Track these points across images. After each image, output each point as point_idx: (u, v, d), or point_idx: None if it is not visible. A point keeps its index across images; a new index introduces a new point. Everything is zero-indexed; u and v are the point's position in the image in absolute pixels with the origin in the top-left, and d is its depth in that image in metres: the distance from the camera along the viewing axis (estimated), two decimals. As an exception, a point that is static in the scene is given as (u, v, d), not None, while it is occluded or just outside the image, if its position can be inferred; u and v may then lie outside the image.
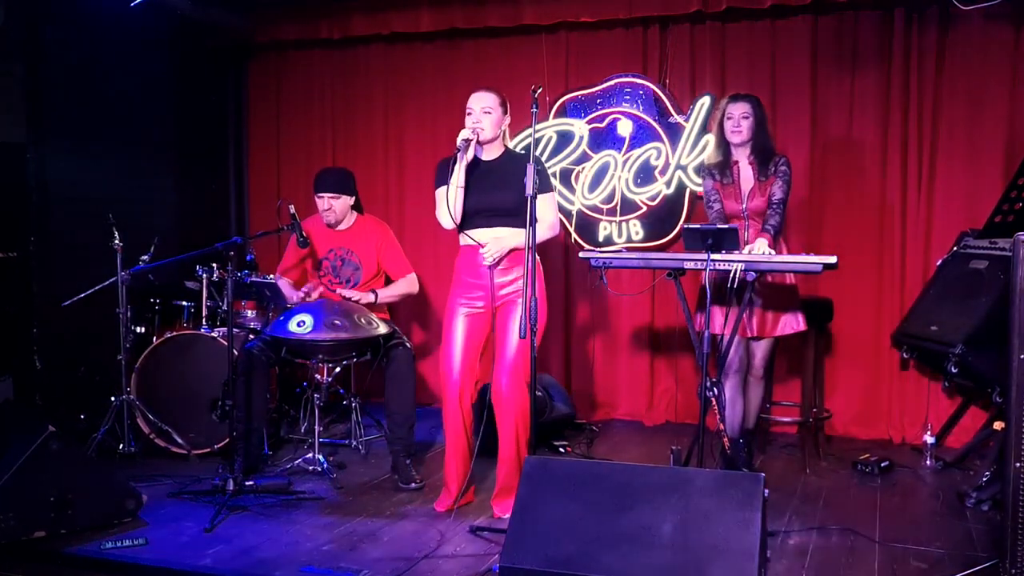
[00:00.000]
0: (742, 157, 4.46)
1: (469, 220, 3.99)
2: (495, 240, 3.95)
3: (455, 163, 3.91)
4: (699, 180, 5.42)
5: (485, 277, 3.98)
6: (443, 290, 5.82)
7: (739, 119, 4.39)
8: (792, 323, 4.42)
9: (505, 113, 4.02)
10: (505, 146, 4.09)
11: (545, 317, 3.99)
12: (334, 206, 4.91)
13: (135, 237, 4.88)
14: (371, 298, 4.84)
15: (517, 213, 3.90)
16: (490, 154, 4.06)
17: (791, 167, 4.43)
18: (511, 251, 3.97)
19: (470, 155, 3.96)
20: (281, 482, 4.35)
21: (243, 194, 6.82)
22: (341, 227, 5.00)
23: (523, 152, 4.21)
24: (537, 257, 4.01)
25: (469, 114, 3.97)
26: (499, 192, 3.94)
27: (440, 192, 4.00)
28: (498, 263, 3.97)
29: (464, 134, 3.91)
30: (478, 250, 3.97)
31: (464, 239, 4.04)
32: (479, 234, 3.97)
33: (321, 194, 4.91)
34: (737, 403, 4.45)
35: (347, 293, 4.80)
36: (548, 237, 4.06)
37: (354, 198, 5.01)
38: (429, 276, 6.06)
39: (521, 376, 3.92)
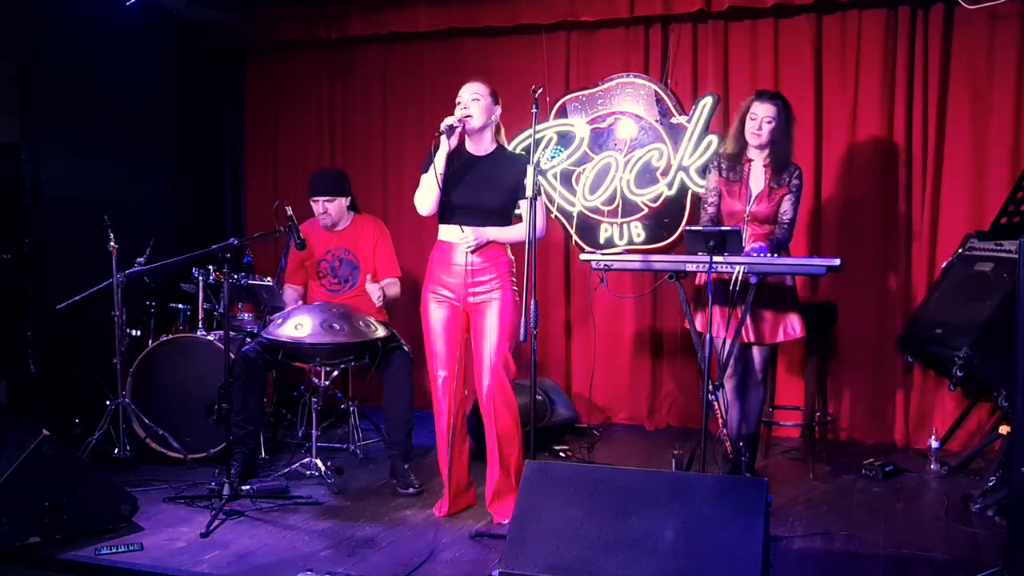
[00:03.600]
0: (758, 157, 4.34)
1: (450, 214, 3.96)
2: (475, 229, 3.91)
3: (436, 149, 3.89)
4: (701, 181, 5.37)
5: (457, 275, 3.94)
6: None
7: (762, 122, 4.24)
8: (790, 329, 4.32)
9: (495, 103, 3.98)
10: (498, 143, 4.05)
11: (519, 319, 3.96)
12: (329, 209, 4.89)
13: (130, 239, 4.84)
14: (379, 293, 4.84)
15: (500, 213, 3.89)
16: (480, 148, 4.01)
17: (803, 182, 4.33)
18: (489, 242, 3.93)
19: (453, 142, 3.92)
20: (278, 487, 4.32)
21: (240, 195, 6.79)
22: (339, 228, 4.98)
23: (517, 152, 4.20)
24: (513, 258, 3.99)
25: (458, 103, 3.94)
26: (484, 191, 3.91)
27: (425, 177, 3.97)
28: (476, 252, 3.91)
29: (447, 120, 3.88)
30: (453, 247, 3.95)
31: (442, 233, 4.01)
32: (459, 230, 3.93)
33: (316, 198, 4.90)
34: (735, 407, 4.41)
35: (375, 294, 4.82)
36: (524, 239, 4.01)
37: (349, 198, 4.98)
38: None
39: (502, 379, 3.89)
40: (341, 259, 4.96)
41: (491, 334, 3.90)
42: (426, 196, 3.95)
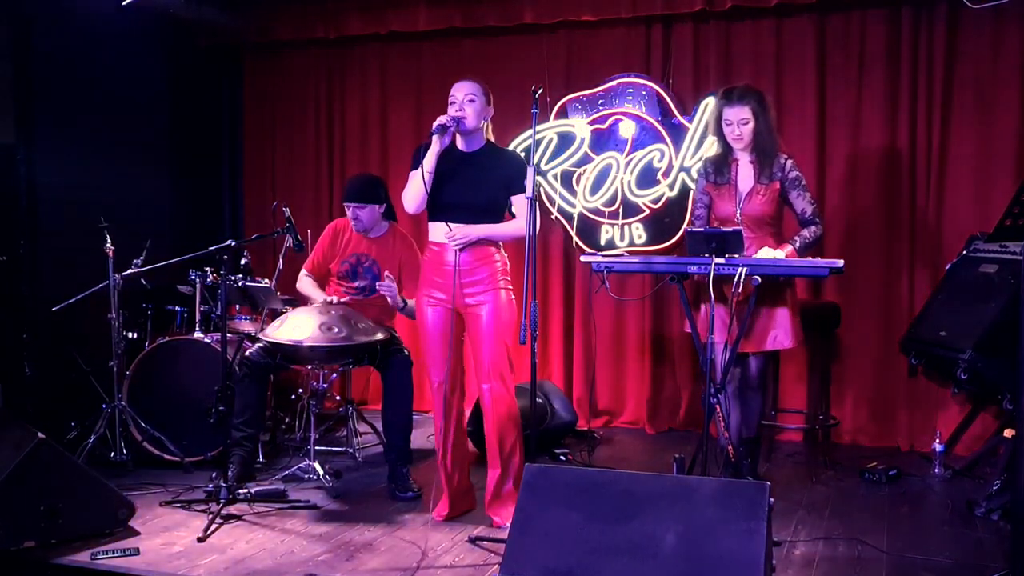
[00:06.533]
0: (743, 156, 4.27)
1: (439, 212, 3.90)
2: (462, 226, 3.85)
3: (426, 148, 3.82)
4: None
5: (448, 276, 3.89)
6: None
7: (738, 124, 4.15)
8: (782, 338, 4.19)
9: (488, 104, 3.93)
10: (487, 139, 4.00)
11: (516, 320, 3.91)
12: (360, 216, 4.77)
13: (127, 240, 4.82)
14: (401, 304, 4.63)
15: (490, 211, 3.85)
16: (470, 146, 3.96)
17: (800, 170, 4.22)
18: (478, 241, 3.87)
19: (446, 141, 3.87)
20: (276, 490, 4.28)
21: (237, 196, 6.78)
22: (372, 234, 4.89)
23: (508, 148, 4.16)
24: (506, 257, 3.95)
25: (452, 103, 3.89)
26: (473, 188, 3.86)
27: (413, 174, 3.91)
28: (466, 252, 3.86)
29: (441, 119, 3.82)
30: (443, 247, 3.89)
31: (431, 233, 3.95)
32: (445, 228, 3.88)
33: (347, 204, 4.79)
34: (735, 410, 4.36)
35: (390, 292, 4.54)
36: (517, 236, 3.94)
37: (384, 205, 4.85)
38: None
39: (503, 381, 3.86)
40: (365, 267, 4.84)
41: (487, 338, 3.86)
42: (412, 193, 3.88)
